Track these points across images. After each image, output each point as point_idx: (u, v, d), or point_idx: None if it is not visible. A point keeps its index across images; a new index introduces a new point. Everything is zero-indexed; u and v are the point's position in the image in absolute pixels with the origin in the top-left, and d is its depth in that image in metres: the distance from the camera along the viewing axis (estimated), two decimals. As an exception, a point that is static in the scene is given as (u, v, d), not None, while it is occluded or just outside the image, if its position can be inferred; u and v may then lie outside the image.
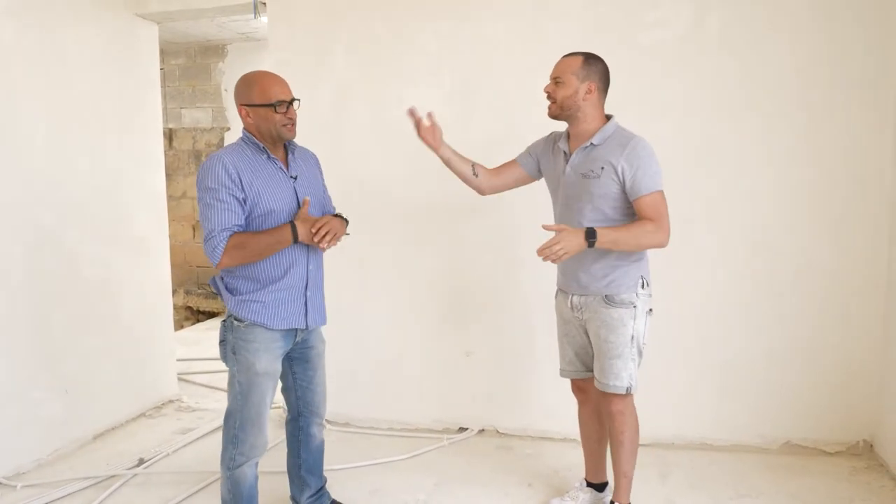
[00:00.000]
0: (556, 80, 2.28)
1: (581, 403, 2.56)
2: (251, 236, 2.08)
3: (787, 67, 2.94)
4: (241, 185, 2.07)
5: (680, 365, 3.12)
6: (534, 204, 3.07)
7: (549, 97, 2.31)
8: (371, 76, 3.35)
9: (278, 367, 2.23)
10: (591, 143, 2.27)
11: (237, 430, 2.18)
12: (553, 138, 2.47)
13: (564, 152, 2.35)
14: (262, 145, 2.16)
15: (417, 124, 2.42)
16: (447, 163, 2.51)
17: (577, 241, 2.11)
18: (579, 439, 2.65)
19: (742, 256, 3.06)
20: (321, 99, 3.35)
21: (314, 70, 3.37)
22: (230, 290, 2.17)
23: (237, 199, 2.07)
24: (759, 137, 2.99)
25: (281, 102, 2.11)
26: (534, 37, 3.15)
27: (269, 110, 2.10)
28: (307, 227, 2.12)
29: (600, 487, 2.60)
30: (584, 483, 2.61)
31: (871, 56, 2.87)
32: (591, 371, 2.44)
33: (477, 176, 2.52)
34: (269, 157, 2.17)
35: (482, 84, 3.24)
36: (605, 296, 2.28)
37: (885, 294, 2.95)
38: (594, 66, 2.27)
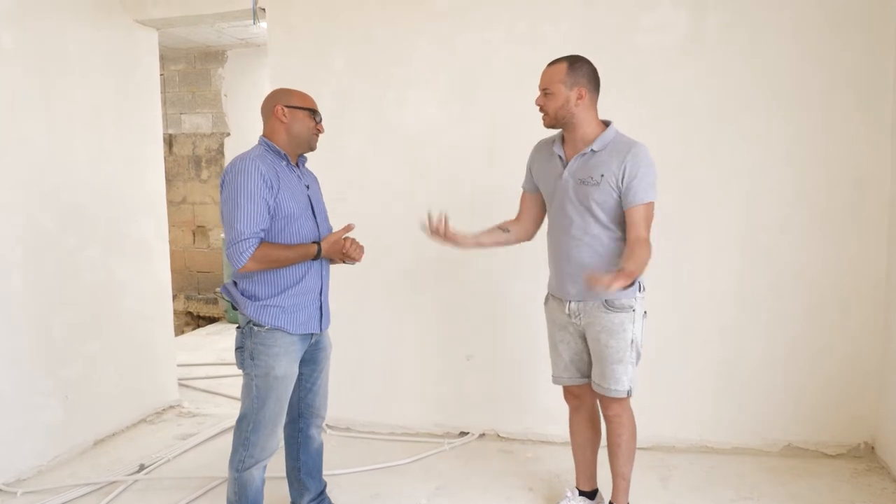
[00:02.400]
0: (544, 92, 2.24)
1: (574, 410, 2.52)
2: (278, 248, 2.13)
3: (784, 69, 2.95)
4: (272, 189, 2.11)
5: (680, 367, 3.12)
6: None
7: (541, 109, 2.28)
8: (370, 80, 3.36)
9: (296, 371, 2.26)
10: (591, 150, 2.23)
11: (250, 433, 2.19)
12: (542, 145, 2.44)
13: (560, 157, 2.32)
14: (283, 152, 2.21)
15: (435, 231, 2.33)
16: (479, 247, 2.51)
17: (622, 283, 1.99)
18: (598, 440, 2.56)
19: (741, 258, 3.06)
20: (320, 103, 3.27)
21: (313, 75, 3.37)
22: (248, 296, 2.18)
23: (267, 203, 2.10)
24: (756, 139, 3.00)
25: (316, 112, 2.25)
26: (531, 40, 3.15)
27: (307, 114, 2.23)
28: (336, 247, 2.21)
29: (592, 495, 2.58)
30: (577, 492, 2.58)
31: (868, 58, 2.88)
32: (587, 377, 2.43)
33: (509, 231, 2.49)
34: (288, 163, 2.23)
35: (480, 87, 3.25)
36: (605, 301, 2.26)
37: (885, 294, 2.95)
38: (580, 70, 2.22)
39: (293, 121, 2.21)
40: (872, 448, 3.03)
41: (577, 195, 2.25)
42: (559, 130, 2.35)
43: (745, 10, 2.96)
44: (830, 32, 2.90)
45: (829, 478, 2.85)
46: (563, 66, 2.22)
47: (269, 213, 2.11)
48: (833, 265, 2.99)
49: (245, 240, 2.06)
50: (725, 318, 3.09)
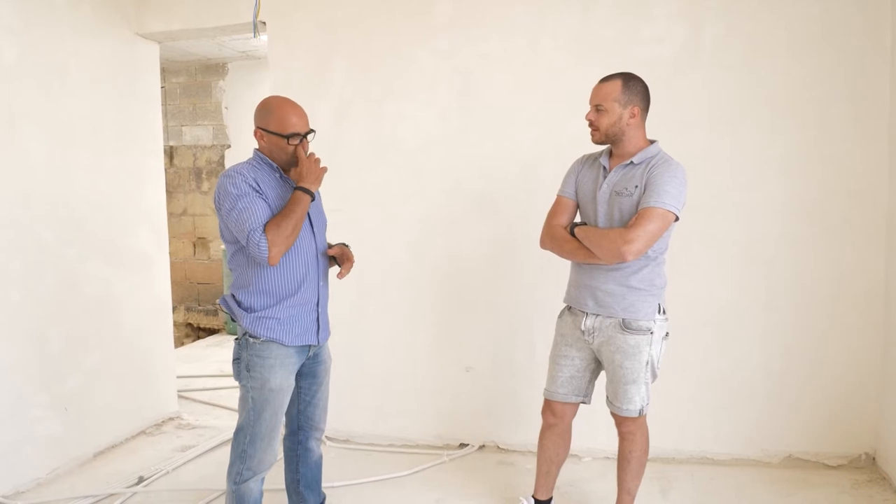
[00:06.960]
0: (597, 108, 2.23)
1: (550, 427, 2.48)
2: (277, 218, 2.05)
3: (782, 82, 2.97)
4: (260, 193, 2.09)
5: (680, 379, 3.11)
6: (531, 217, 3.09)
7: (591, 125, 2.26)
8: (369, 93, 3.38)
9: (292, 383, 2.24)
10: (632, 162, 2.23)
11: (247, 445, 2.18)
12: (590, 156, 2.42)
13: (604, 167, 2.31)
14: (275, 165, 2.20)
15: None
16: None
17: None
18: (565, 456, 2.56)
19: (740, 270, 3.06)
20: (320, 115, 3.37)
21: (313, 87, 3.40)
22: (244, 308, 2.17)
23: (262, 198, 2.08)
24: (754, 151, 3.01)
25: (295, 135, 2.13)
26: (529, 54, 3.18)
27: (282, 140, 2.13)
28: (306, 169, 2.10)
29: (547, 503, 2.59)
30: (532, 500, 2.58)
31: (864, 70, 2.90)
32: (580, 397, 2.43)
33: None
34: (281, 175, 2.21)
35: (478, 100, 3.26)
36: (623, 320, 2.25)
37: (884, 305, 2.95)
38: (634, 88, 2.22)
39: (270, 145, 2.15)
40: (873, 459, 3.02)
41: (609, 206, 2.25)
42: (607, 146, 2.34)
43: (741, 24, 2.98)
44: (826, 45, 2.92)
45: (829, 489, 2.84)
46: (618, 83, 2.21)
47: (267, 204, 2.08)
48: (830, 276, 2.99)
49: (252, 234, 2.02)
50: (724, 329, 3.09)
